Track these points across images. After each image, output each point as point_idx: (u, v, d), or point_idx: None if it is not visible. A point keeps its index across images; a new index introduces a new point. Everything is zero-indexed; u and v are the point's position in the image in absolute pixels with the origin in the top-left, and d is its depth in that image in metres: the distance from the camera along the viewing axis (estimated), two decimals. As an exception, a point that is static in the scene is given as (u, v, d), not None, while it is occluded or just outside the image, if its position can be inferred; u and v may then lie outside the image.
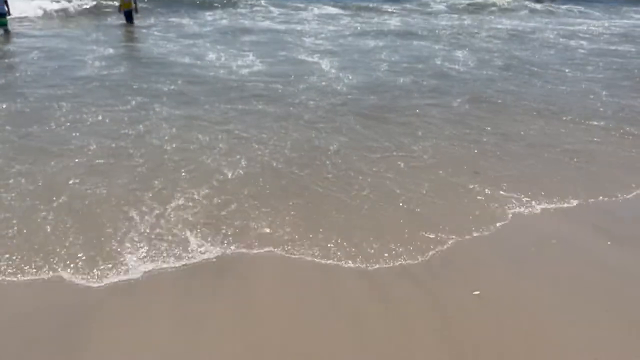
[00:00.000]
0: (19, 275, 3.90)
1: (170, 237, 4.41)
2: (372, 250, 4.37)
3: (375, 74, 10.79)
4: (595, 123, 7.94)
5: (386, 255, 4.32)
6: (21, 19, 16.20)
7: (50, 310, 3.56)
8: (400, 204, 5.17)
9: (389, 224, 4.81)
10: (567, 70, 11.74)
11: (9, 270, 3.94)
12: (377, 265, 4.18)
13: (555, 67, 12.02)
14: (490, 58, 12.86)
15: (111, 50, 12.11)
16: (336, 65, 11.43)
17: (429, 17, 21.80)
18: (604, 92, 9.82)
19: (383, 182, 5.63)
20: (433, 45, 14.58)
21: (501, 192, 5.51)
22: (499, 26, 19.40)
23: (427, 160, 6.26)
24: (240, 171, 5.75)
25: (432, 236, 4.62)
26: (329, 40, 14.75)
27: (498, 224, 4.88)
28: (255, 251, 4.33)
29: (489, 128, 7.52)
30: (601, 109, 8.71)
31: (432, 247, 4.46)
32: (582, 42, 16.13)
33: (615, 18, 24.12)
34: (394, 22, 19.54)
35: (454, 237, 4.62)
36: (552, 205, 5.31)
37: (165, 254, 4.17)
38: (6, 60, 11.03)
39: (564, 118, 8.15)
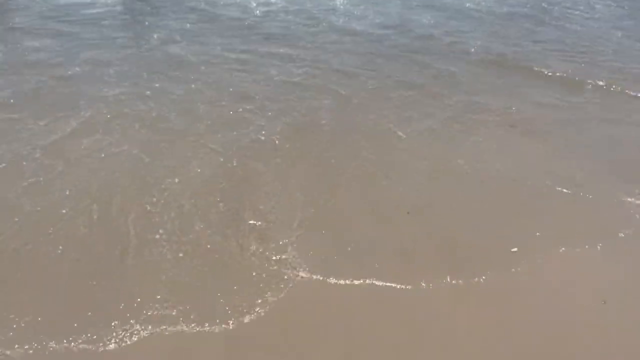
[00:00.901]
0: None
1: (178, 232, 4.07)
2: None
3: (392, 11, 10.57)
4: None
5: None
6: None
7: None
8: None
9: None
10: (582, 11, 11.66)
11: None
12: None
13: (568, 5, 11.90)
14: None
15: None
16: (350, 1, 11.14)
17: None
18: (619, 34, 9.90)
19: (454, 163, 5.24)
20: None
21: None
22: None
23: (467, 122, 6.12)
24: (267, 143, 5.35)
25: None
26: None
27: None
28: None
29: (518, 78, 7.62)
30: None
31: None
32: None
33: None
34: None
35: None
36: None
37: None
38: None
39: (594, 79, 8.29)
